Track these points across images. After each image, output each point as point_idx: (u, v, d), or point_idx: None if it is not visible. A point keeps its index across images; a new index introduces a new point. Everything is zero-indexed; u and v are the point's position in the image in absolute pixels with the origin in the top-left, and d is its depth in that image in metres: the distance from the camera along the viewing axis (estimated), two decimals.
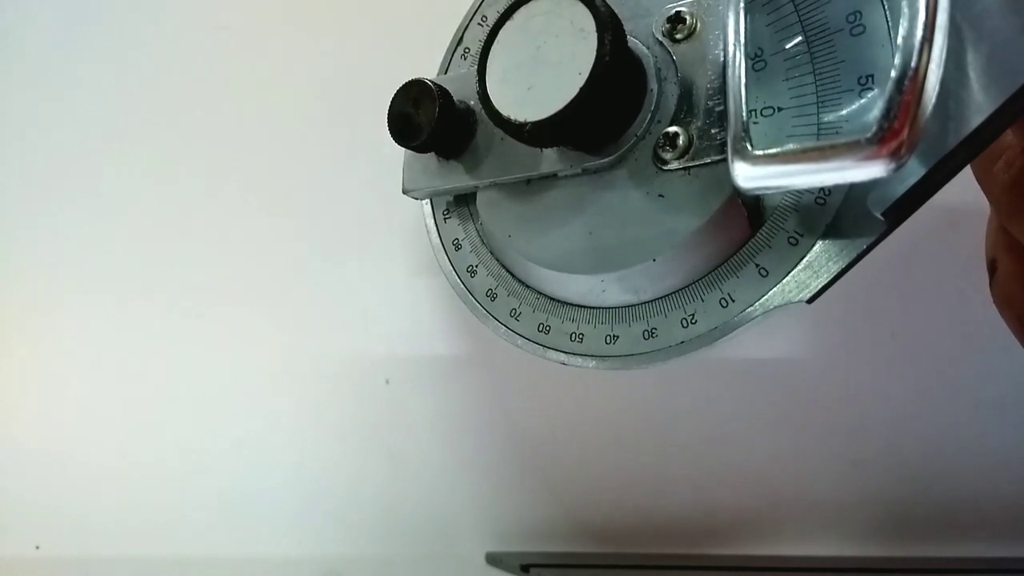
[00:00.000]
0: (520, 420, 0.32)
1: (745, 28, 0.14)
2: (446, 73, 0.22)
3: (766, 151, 0.13)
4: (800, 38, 0.15)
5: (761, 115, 0.15)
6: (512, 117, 0.16)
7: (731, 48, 0.14)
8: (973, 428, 0.29)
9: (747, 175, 0.14)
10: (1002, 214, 0.17)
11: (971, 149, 0.13)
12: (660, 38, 0.17)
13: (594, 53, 0.15)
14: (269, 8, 0.36)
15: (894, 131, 0.12)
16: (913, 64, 0.12)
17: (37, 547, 0.34)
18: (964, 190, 0.16)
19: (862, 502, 0.30)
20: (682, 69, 0.17)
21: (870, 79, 0.14)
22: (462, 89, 0.20)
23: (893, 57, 0.12)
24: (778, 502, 0.30)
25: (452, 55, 0.22)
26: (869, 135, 0.12)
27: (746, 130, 0.14)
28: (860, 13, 0.14)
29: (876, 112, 0.12)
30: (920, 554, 0.29)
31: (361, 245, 0.34)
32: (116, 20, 0.37)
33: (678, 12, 0.17)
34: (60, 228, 0.36)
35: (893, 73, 0.12)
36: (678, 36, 0.17)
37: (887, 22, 0.14)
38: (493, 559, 0.31)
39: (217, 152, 0.35)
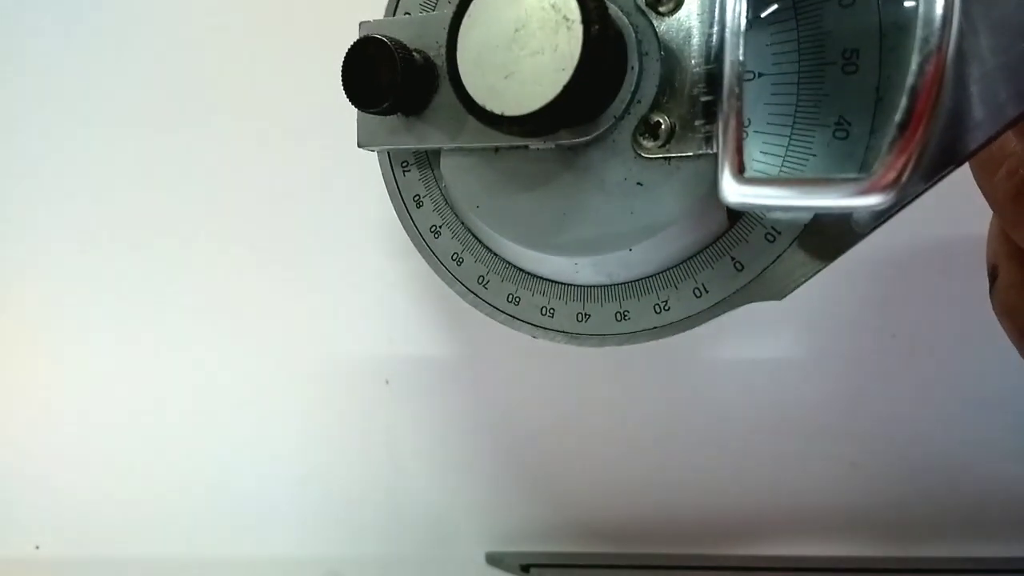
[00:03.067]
0: (520, 420, 0.32)
1: (743, 51, 0.14)
2: (395, 13, 0.20)
3: (760, 175, 0.13)
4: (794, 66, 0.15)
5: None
6: (486, 106, 0.15)
7: (728, 70, 0.14)
8: (973, 428, 0.29)
9: (736, 192, 0.13)
10: (1007, 223, 0.17)
11: (964, 162, 0.13)
12: (643, 7, 0.16)
13: (579, 49, 0.14)
14: (265, 8, 0.36)
15: (895, 166, 0.12)
16: (918, 109, 0.12)
17: (37, 547, 0.34)
18: (964, 190, 0.16)
19: (862, 502, 0.30)
20: (665, 46, 0.16)
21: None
22: (420, 37, 0.18)
23: (896, 99, 0.12)
24: (778, 502, 0.30)
25: None
26: (870, 177, 0.12)
27: (740, 151, 0.13)
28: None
29: (878, 153, 0.12)
30: (920, 554, 0.29)
31: (362, 245, 0.33)
32: (112, 19, 0.37)
33: None
34: (59, 229, 0.36)
35: (897, 117, 0.12)
36: (662, 9, 0.16)
37: (879, 67, 0.14)
38: (493, 559, 0.31)
39: (216, 151, 0.35)
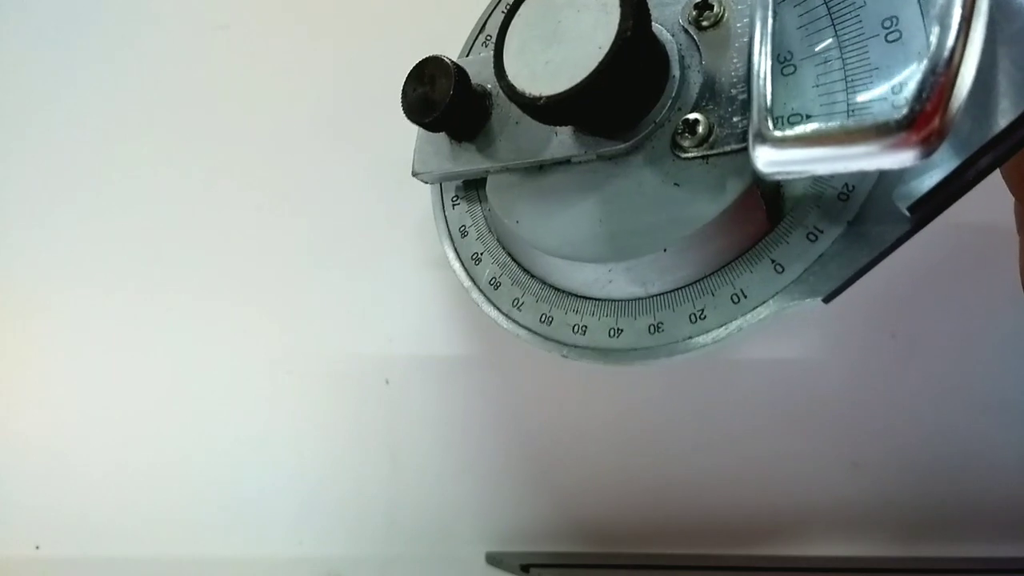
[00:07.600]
0: (521, 420, 0.32)
1: (774, 12, 0.14)
2: (467, 57, 0.22)
3: (788, 132, 0.13)
4: (831, 39, 0.15)
5: (788, 122, 0.15)
6: (526, 91, 0.16)
7: (758, 31, 0.14)
8: (973, 429, 0.29)
9: (768, 159, 0.13)
10: None
11: (1003, 150, 0.13)
12: (685, 25, 0.17)
13: (616, 28, 0.15)
14: (269, 6, 0.36)
15: (926, 115, 0.11)
16: (950, 45, 0.11)
17: (37, 547, 0.34)
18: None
19: (862, 502, 0.30)
20: (706, 57, 0.16)
21: (901, 87, 0.14)
22: (480, 72, 0.19)
23: (929, 37, 0.11)
24: (778, 502, 0.30)
25: (473, 42, 0.22)
26: (899, 117, 0.11)
27: (769, 110, 0.13)
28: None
29: (907, 93, 0.11)
30: (920, 554, 0.29)
31: (362, 245, 0.33)
32: (114, 19, 0.37)
33: None
34: (59, 227, 0.36)
35: (928, 54, 0.11)
36: (704, 23, 0.16)
37: (923, 18, 0.13)
38: (493, 559, 0.31)
39: (217, 150, 0.35)
